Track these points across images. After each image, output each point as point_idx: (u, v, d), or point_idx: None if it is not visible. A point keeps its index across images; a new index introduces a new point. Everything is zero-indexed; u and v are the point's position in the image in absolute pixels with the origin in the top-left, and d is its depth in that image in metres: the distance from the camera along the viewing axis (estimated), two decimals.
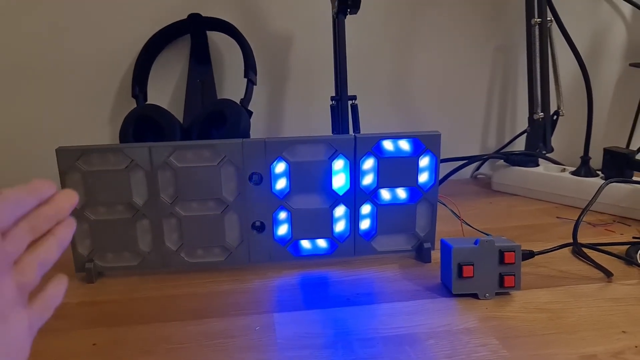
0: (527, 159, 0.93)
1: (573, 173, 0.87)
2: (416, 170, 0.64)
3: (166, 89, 0.93)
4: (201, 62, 0.90)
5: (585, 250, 0.66)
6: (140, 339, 0.51)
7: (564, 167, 0.91)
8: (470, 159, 0.95)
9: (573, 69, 0.93)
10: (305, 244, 0.66)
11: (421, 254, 0.67)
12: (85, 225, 0.62)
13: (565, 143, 0.98)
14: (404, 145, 0.64)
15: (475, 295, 0.57)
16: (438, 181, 0.65)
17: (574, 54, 0.86)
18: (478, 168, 1.05)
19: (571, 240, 0.68)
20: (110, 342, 0.51)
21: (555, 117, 0.93)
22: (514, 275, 0.57)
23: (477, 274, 0.57)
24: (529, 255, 0.61)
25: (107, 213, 0.62)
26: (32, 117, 0.92)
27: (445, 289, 0.59)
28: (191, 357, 0.48)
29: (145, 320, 0.54)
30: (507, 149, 1.03)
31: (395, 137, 0.63)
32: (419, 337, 0.50)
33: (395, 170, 0.64)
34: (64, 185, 0.60)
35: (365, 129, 0.80)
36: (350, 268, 0.65)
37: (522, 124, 1.02)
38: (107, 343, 0.50)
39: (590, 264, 0.64)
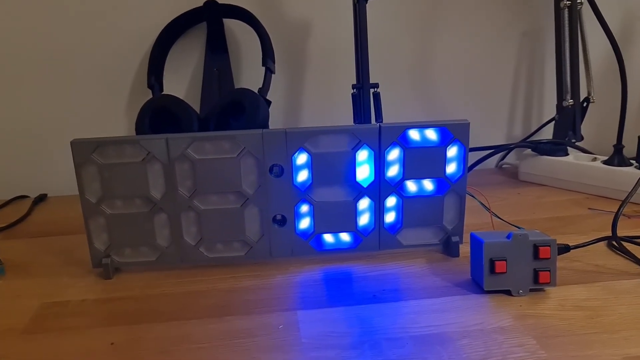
0: (556, 147, 0.89)
1: (605, 162, 0.83)
2: (444, 161, 0.61)
3: (182, 79, 0.91)
4: (218, 50, 0.88)
5: (623, 243, 0.63)
6: (159, 338, 0.49)
7: (595, 156, 0.88)
8: (496, 149, 0.92)
9: (603, 53, 0.90)
10: (328, 237, 0.64)
11: (449, 248, 0.64)
12: (101, 220, 0.60)
13: (595, 131, 0.95)
14: (431, 134, 0.61)
15: (508, 292, 0.54)
16: (467, 172, 0.62)
17: (608, 37, 0.82)
18: (503, 158, 1.01)
19: (606, 233, 0.65)
20: (129, 340, 0.49)
21: (585, 104, 0.90)
22: (550, 270, 0.54)
23: (510, 270, 0.54)
24: (564, 249, 0.58)
25: (124, 207, 0.60)
26: (46, 109, 0.90)
27: (476, 285, 0.56)
28: (212, 357, 0.46)
29: (164, 318, 0.52)
30: (534, 138, 1.00)
31: (421, 126, 0.60)
32: (450, 336, 0.48)
33: (422, 160, 0.61)
34: (79, 178, 0.58)
35: (388, 118, 0.77)
36: (374, 263, 0.63)
37: (549, 111, 0.98)
38: (126, 342, 0.49)
39: (628, 258, 0.61)
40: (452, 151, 0.61)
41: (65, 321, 0.53)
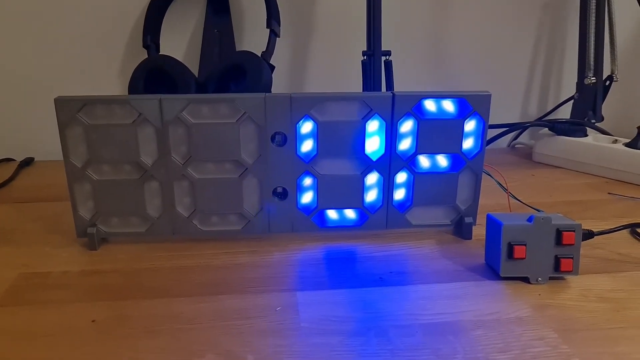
0: (575, 128, 0.84)
1: (628, 145, 0.79)
2: (461, 135, 0.56)
3: (180, 40, 0.86)
4: (219, 10, 0.83)
5: None
6: (145, 316, 0.45)
7: (616, 138, 0.83)
8: (511, 127, 0.87)
9: (630, 29, 0.84)
10: (332, 214, 0.59)
11: (461, 230, 0.60)
12: (87, 186, 0.55)
13: (617, 112, 0.90)
14: (448, 106, 0.56)
15: (525, 280, 0.50)
16: (484, 148, 0.57)
17: None
18: (517, 137, 0.97)
19: (627, 220, 0.61)
20: (112, 318, 0.45)
21: (608, 82, 0.84)
22: (573, 258, 0.50)
23: (530, 256, 0.49)
24: (588, 235, 0.54)
25: (112, 173, 0.55)
26: (35, 66, 0.85)
27: (491, 271, 0.52)
28: (202, 339, 0.42)
29: (151, 295, 0.48)
30: (550, 117, 0.95)
31: (438, 96, 0.56)
32: (464, 325, 0.44)
33: (437, 134, 0.56)
34: (63, 140, 0.53)
35: (398, 88, 0.72)
36: (381, 242, 0.58)
37: (567, 90, 0.94)
38: (108, 319, 0.44)
39: None
40: (470, 125, 0.57)
41: (44, 294, 0.48)
